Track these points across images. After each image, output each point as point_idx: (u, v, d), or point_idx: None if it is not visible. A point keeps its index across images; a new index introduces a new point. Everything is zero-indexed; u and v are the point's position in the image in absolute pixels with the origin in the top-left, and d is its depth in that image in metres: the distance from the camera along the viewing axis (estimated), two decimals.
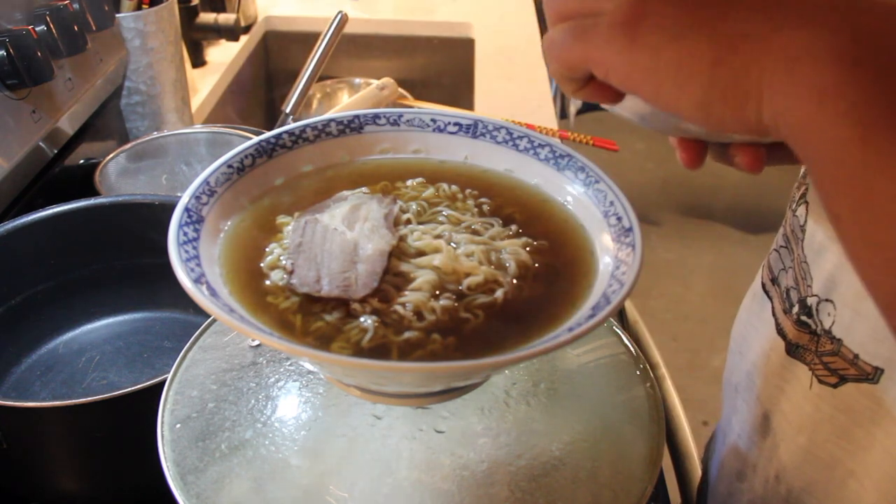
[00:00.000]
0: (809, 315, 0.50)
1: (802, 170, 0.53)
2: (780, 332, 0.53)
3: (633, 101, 0.37)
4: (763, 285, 0.57)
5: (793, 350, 0.52)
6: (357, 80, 1.45)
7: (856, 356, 0.46)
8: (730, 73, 0.30)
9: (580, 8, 0.34)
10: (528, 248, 0.42)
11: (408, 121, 0.49)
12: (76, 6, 0.88)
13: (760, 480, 0.55)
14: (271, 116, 1.66)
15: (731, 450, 0.60)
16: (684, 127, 0.41)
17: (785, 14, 0.29)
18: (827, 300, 0.48)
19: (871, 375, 0.46)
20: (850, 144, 0.26)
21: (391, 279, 0.40)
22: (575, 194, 0.45)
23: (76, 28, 0.86)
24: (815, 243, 0.49)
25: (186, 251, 0.38)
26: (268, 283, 0.40)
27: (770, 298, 0.55)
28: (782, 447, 0.53)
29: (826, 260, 0.48)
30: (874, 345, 0.45)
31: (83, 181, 0.92)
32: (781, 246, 0.55)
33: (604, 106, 0.39)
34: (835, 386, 0.48)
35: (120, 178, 0.95)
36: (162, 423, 0.47)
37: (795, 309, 0.51)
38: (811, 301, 0.49)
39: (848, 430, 0.48)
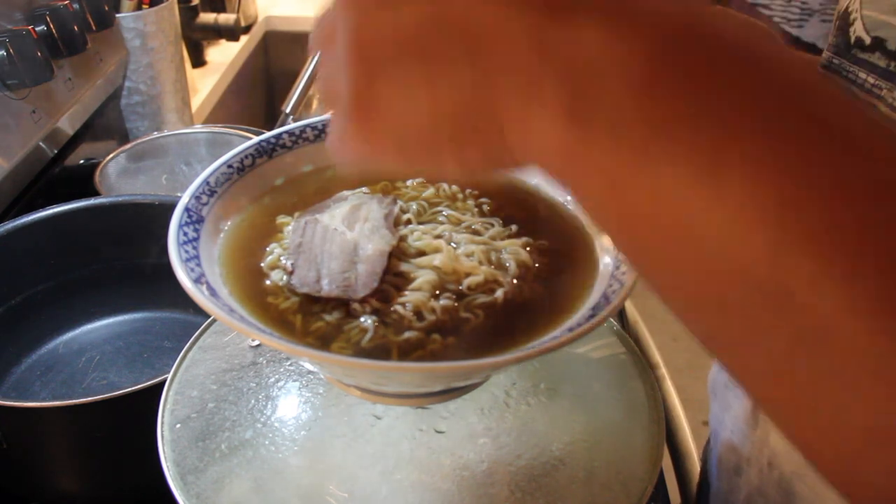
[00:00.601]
0: None
1: None
2: None
3: None
4: None
5: None
6: None
7: None
8: (473, 149, 0.28)
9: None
10: (528, 248, 0.42)
11: None
12: (76, 6, 0.88)
13: (755, 471, 0.56)
14: (271, 116, 1.66)
15: (727, 446, 0.61)
16: None
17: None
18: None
19: None
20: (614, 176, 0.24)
21: (391, 279, 0.40)
22: None
23: (76, 28, 0.86)
24: None
25: (186, 251, 0.38)
26: (268, 282, 0.40)
27: None
28: (772, 434, 0.53)
29: None
30: None
31: (83, 181, 0.92)
32: None
33: None
34: None
35: (120, 178, 0.95)
36: (162, 423, 0.47)
37: None
38: None
39: None
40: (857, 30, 0.46)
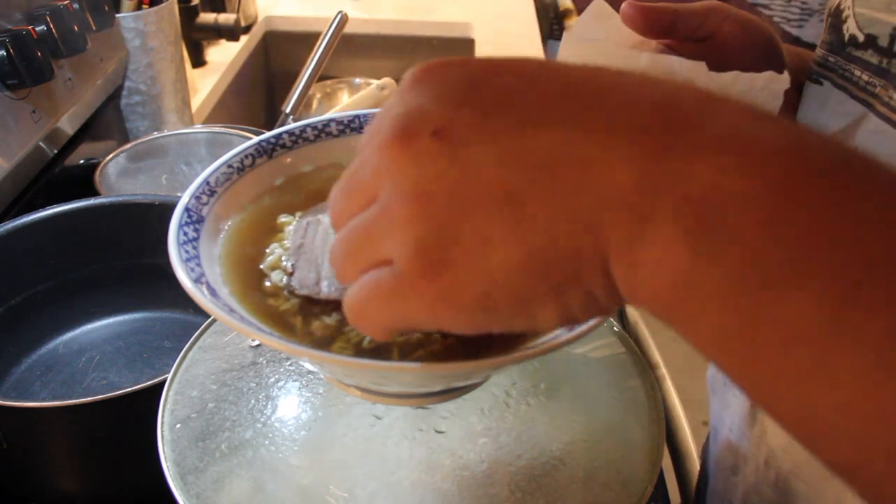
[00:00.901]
0: None
1: None
2: None
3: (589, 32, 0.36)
4: None
5: None
6: (357, 80, 1.46)
7: None
8: (577, 292, 0.25)
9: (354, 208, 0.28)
10: None
11: None
12: (76, 6, 0.88)
13: (752, 469, 0.56)
14: (271, 116, 1.66)
15: (725, 444, 0.61)
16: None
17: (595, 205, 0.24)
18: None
19: None
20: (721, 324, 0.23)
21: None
22: None
23: (76, 28, 0.86)
24: None
25: (186, 251, 0.38)
26: (268, 283, 0.40)
27: None
28: (770, 432, 0.54)
29: None
30: None
31: (83, 181, 0.92)
32: None
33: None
34: None
35: (120, 178, 0.95)
36: (162, 423, 0.47)
37: None
38: None
39: None
40: (850, 27, 0.46)
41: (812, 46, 0.53)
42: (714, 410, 0.65)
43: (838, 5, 0.48)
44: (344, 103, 1.30)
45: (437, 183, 0.25)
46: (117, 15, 1.00)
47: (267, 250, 0.42)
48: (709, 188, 0.22)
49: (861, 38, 0.45)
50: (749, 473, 0.56)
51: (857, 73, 0.45)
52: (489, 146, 0.24)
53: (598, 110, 0.24)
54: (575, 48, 0.50)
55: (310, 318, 0.38)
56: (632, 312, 0.92)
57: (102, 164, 0.93)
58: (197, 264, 0.38)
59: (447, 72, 0.26)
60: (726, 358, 0.24)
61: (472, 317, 0.26)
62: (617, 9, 0.49)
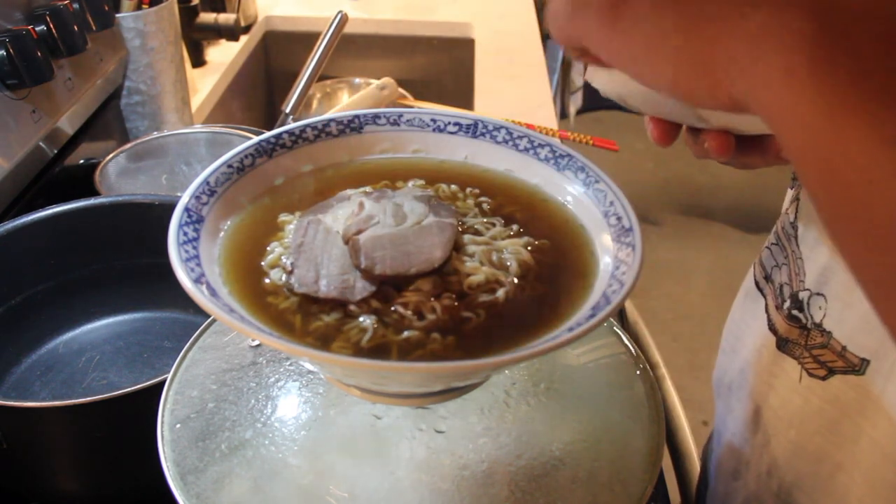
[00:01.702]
0: (801, 309, 0.51)
1: (793, 171, 0.53)
2: (772, 327, 0.54)
3: (613, 81, 0.40)
4: (756, 283, 0.58)
5: (783, 345, 0.52)
6: (357, 80, 1.45)
7: (844, 348, 0.47)
8: (695, 52, 0.31)
9: None
10: (529, 248, 0.43)
11: (408, 121, 0.49)
12: (76, 6, 0.88)
13: (753, 476, 0.56)
14: (271, 116, 1.66)
15: (727, 449, 0.61)
16: (660, 109, 0.43)
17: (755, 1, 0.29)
18: (818, 294, 0.49)
19: (858, 367, 0.46)
20: (816, 122, 0.26)
21: (392, 279, 0.40)
22: (575, 194, 0.45)
23: (76, 28, 0.86)
24: (810, 239, 0.50)
25: (186, 251, 0.38)
26: (267, 281, 0.40)
27: (763, 296, 0.56)
28: (773, 442, 0.54)
29: (819, 254, 0.49)
30: (862, 336, 0.46)
31: (83, 181, 0.92)
32: (773, 244, 0.56)
33: (592, 84, 0.42)
34: (823, 378, 0.49)
35: (120, 178, 0.95)
36: (162, 423, 0.47)
37: (787, 304, 0.52)
38: (803, 295, 0.50)
39: (836, 423, 0.49)
40: None
41: None
42: (719, 413, 0.65)
43: None
44: (344, 103, 1.30)
45: None
46: (117, 15, 1.00)
47: (267, 248, 0.42)
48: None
49: None
50: (751, 480, 0.56)
51: None
52: None
53: None
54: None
55: (309, 317, 0.38)
56: (632, 312, 0.92)
57: (102, 164, 0.93)
58: (197, 264, 0.38)
59: None
60: (805, 161, 0.27)
61: (616, 49, 0.34)
62: None
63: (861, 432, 0.47)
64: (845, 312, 0.47)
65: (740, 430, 0.58)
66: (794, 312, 0.51)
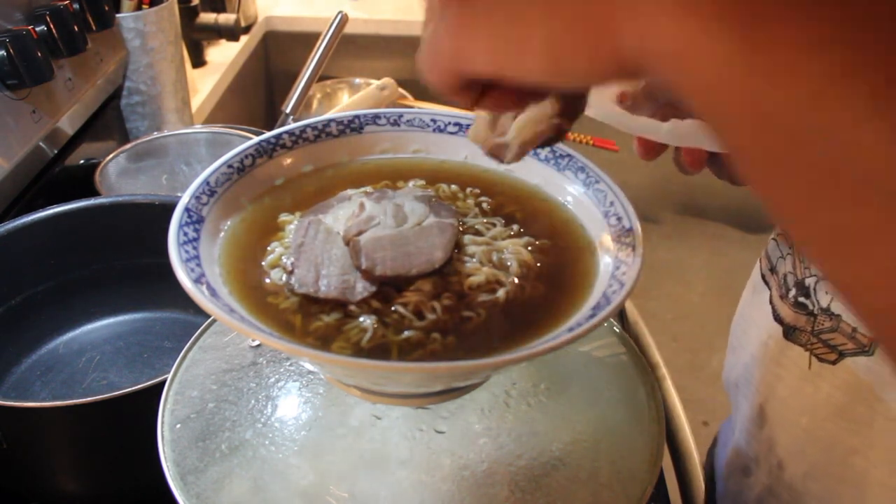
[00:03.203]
0: (807, 296, 0.51)
1: None
2: (777, 318, 0.54)
3: (596, 104, 0.39)
4: (762, 276, 0.58)
5: (789, 333, 0.53)
6: (357, 80, 1.45)
7: (854, 329, 0.48)
8: (568, 17, 0.26)
9: None
10: (529, 248, 0.43)
11: (408, 121, 0.49)
12: (76, 6, 0.88)
13: (764, 471, 0.56)
14: (271, 116, 1.66)
15: (735, 447, 0.61)
16: (631, 125, 0.44)
17: None
18: (825, 279, 0.49)
19: (867, 347, 0.47)
20: (730, 58, 0.22)
21: (392, 280, 0.40)
22: (575, 194, 0.45)
23: (76, 28, 0.86)
24: None
25: (186, 251, 0.38)
26: (268, 281, 0.40)
27: (769, 287, 0.56)
28: (783, 434, 0.54)
29: None
30: None
31: (83, 181, 0.92)
32: (779, 233, 0.56)
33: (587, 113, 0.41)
34: (834, 363, 0.49)
35: (120, 178, 0.95)
36: (162, 423, 0.47)
37: (793, 292, 0.52)
38: (809, 281, 0.51)
39: (847, 407, 0.49)
40: None
41: None
42: (731, 415, 0.65)
43: None
44: (344, 103, 1.30)
45: None
46: (117, 15, 1.00)
47: (268, 248, 0.42)
48: None
49: None
50: (762, 476, 0.56)
51: None
52: None
53: None
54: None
55: (309, 318, 0.38)
56: (632, 312, 0.92)
57: (102, 164, 0.93)
58: (197, 264, 0.38)
59: None
60: (714, 115, 0.24)
61: (481, 48, 0.28)
62: None
63: (875, 413, 0.47)
64: None
65: (746, 426, 0.58)
66: (801, 299, 0.51)
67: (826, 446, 0.51)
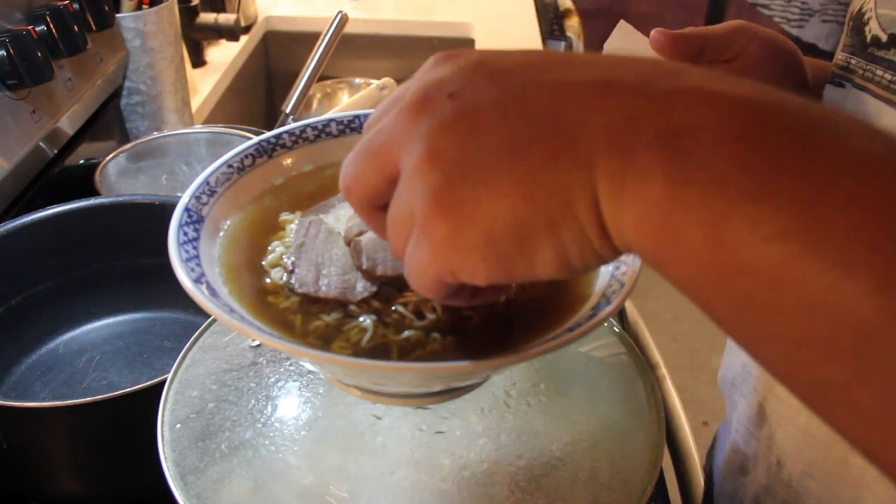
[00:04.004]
0: None
1: None
2: None
3: None
4: None
5: None
6: (357, 80, 1.45)
7: None
8: (573, 230, 0.27)
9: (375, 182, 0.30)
10: None
11: None
12: (76, 6, 0.88)
13: (763, 470, 0.56)
14: (271, 116, 1.66)
15: (732, 446, 0.61)
16: None
17: (591, 136, 0.26)
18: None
19: None
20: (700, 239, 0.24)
21: (393, 280, 0.40)
22: None
23: (76, 28, 0.86)
24: None
25: (186, 251, 0.38)
26: (268, 280, 0.40)
27: None
28: (781, 432, 0.54)
29: None
30: None
31: (83, 181, 0.92)
32: None
33: None
34: None
35: (120, 178, 0.95)
36: (162, 423, 0.47)
37: None
38: None
39: None
40: (873, 28, 0.47)
41: (812, 47, 0.54)
42: (727, 414, 0.65)
43: (860, 8, 0.48)
44: (344, 103, 1.30)
45: (449, 136, 0.27)
46: (117, 15, 1.00)
47: (269, 248, 0.42)
48: (685, 118, 0.25)
49: (884, 38, 0.46)
50: (760, 474, 0.56)
51: (880, 72, 0.46)
52: (495, 103, 0.27)
53: (593, 70, 0.27)
54: None
55: (309, 317, 0.38)
56: (632, 312, 0.92)
57: (102, 164, 0.93)
58: (197, 264, 0.38)
59: (463, 54, 0.30)
60: (701, 287, 0.26)
61: (480, 258, 0.27)
62: (639, 30, 0.52)
63: None
64: None
65: (745, 425, 0.58)
66: None
67: (824, 445, 0.51)
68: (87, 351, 0.76)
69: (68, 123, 0.90)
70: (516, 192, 0.26)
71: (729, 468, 0.62)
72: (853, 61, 0.49)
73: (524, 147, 0.26)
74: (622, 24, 0.53)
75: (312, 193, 0.46)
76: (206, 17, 1.33)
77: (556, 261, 0.27)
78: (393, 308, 0.38)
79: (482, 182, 0.26)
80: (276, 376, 0.49)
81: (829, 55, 0.54)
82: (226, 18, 1.34)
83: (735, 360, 0.61)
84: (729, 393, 0.63)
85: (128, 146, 0.97)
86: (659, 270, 0.26)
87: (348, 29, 1.11)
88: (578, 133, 0.26)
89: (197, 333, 0.53)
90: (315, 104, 1.43)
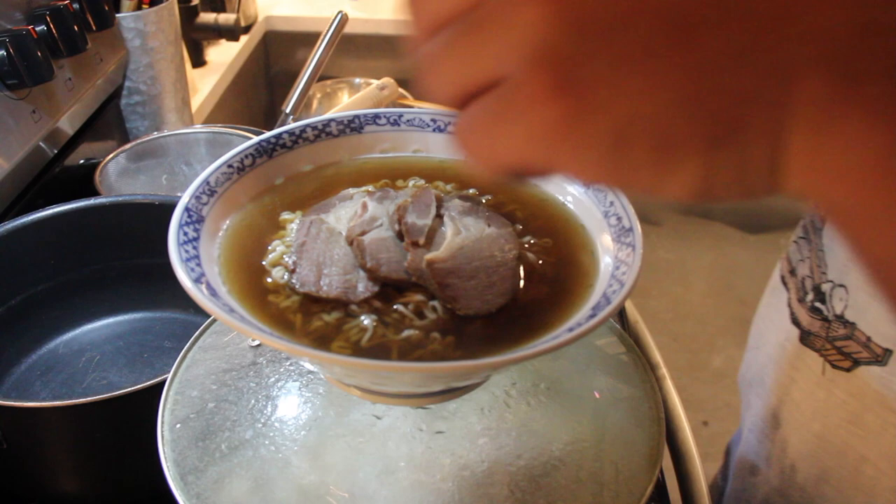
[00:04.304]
0: (822, 301, 0.51)
1: None
2: (795, 321, 0.54)
3: None
4: (782, 277, 0.58)
5: (805, 338, 0.52)
6: (357, 80, 1.45)
7: (868, 339, 0.47)
8: (733, 156, 0.20)
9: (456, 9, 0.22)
10: (528, 247, 0.42)
11: (408, 121, 0.49)
12: (76, 6, 0.88)
13: (776, 472, 0.56)
14: (271, 116, 1.66)
15: (746, 445, 0.61)
16: None
17: (792, 53, 0.19)
18: (840, 285, 0.49)
19: (881, 358, 0.46)
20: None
21: (394, 281, 0.40)
22: (575, 194, 0.45)
23: (76, 28, 0.86)
24: (833, 232, 0.50)
25: (186, 251, 0.38)
26: (269, 280, 0.40)
27: (787, 290, 0.56)
28: (796, 436, 0.54)
29: (842, 247, 0.48)
30: (885, 326, 0.46)
31: (83, 181, 0.92)
32: (800, 237, 0.56)
33: None
34: (848, 370, 0.49)
35: (120, 178, 0.95)
36: (162, 423, 0.47)
37: (810, 297, 0.52)
38: (825, 287, 0.50)
39: (859, 416, 0.48)
40: None
41: None
42: (742, 410, 0.65)
43: None
44: (344, 103, 1.29)
45: None
46: (117, 15, 1.00)
47: (269, 247, 0.42)
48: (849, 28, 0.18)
49: None
50: (773, 476, 0.56)
51: None
52: None
53: None
54: None
55: (310, 317, 0.38)
56: (632, 312, 0.92)
57: (102, 164, 0.93)
58: (197, 264, 0.38)
59: None
60: (867, 202, 0.19)
61: (597, 156, 0.20)
62: None
63: (886, 424, 0.47)
64: (870, 303, 0.47)
65: (759, 426, 0.58)
66: (817, 304, 0.51)
67: (838, 452, 0.50)
68: (87, 351, 0.76)
69: (68, 123, 0.90)
70: (677, 87, 0.19)
71: (740, 467, 0.62)
72: None
73: (703, 25, 0.19)
74: None
75: (312, 193, 0.46)
76: (206, 17, 1.33)
77: (692, 186, 0.21)
78: (393, 308, 0.38)
79: (631, 60, 0.19)
80: (276, 376, 0.49)
81: None
82: (226, 18, 1.34)
83: (754, 361, 0.61)
84: (745, 392, 0.62)
85: (128, 146, 0.97)
86: (839, 226, 0.20)
87: (348, 29, 1.11)
88: (788, 28, 0.19)
89: (197, 333, 0.53)
90: (315, 104, 1.43)
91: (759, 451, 0.58)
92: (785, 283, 0.57)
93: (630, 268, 0.37)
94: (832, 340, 0.50)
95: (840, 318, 0.49)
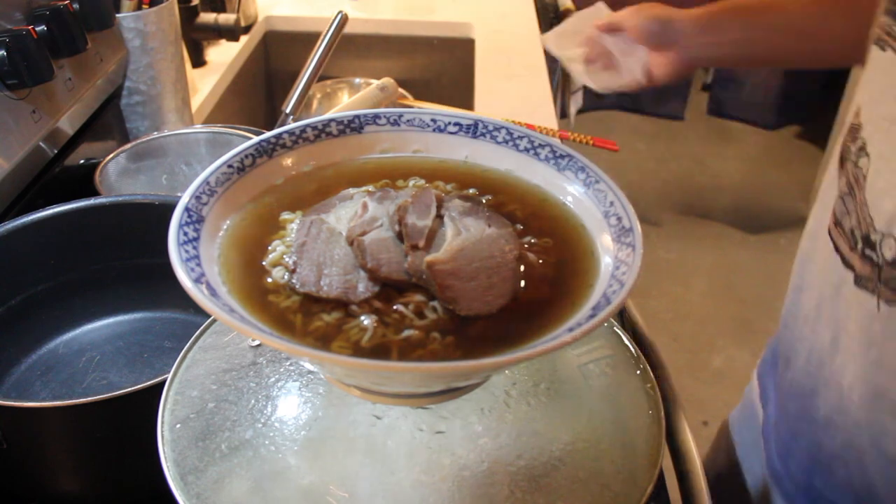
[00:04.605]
0: (873, 248, 0.54)
1: (848, 123, 0.58)
2: (848, 265, 0.58)
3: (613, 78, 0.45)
4: (829, 231, 0.62)
5: (859, 281, 0.56)
6: (357, 80, 1.45)
7: None
8: None
9: None
10: (527, 247, 0.42)
11: (408, 121, 0.49)
12: (76, 6, 0.88)
13: (835, 393, 0.60)
14: (271, 116, 1.66)
15: (802, 371, 0.65)
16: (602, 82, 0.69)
17: None
18: (889, 235, 0.53)
19: None
20: None
21: (395, 282, 0.40)
22: (575, 194, 0.45)
23: (76, 28, 0.86)
24: (876, 189, 0.54)
25: (186, 251, 0.38)
26: (269, 280, 0.40)
27: (835, 239, 0.60)
28: (853, 363, 0.57)
29: (887, 202, 0.53)
30: None
31: (83, 181, 0.92)
32: (846, 193, 0.59)
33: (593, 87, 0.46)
34: None
35: (120, 178, 0.95)
36: (162, 423, 0.47)
37: (860, 245, 0.56)
38: (875, 237, 0.54)
39: None
40: None
41: None
42: (786, 341, 0.70)
43: None
44: (344, 103, 1.30)
45: None
46: (117, 15, 1.00)
47: (269, 247, 0.42)
48: None
49: None
50: (832, 396, 0.61)
51: None
52: None
53: None
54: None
55: (310, 317, 0.38)
56: (632, 312, 0.92)
57: (102, 164, 0.93)
58: (197, 264, 0.38)
59: None
60: None
61: None
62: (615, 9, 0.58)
63: None
64: None
65: (817, 354, 0.62)
66: (868, 252, 0.55)
67: (894, 373, 0.54)
68: (87, 351, 0.76)
69: (68, 123, 0.90)
70: None
71: (795, 391, 0.66)
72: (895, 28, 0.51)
73: None
74: (600, 5, 0.64)
75: (313, 193, 0.46)
76: (206, 17, 1.33)
77: None
78: (394, 308, 0.38)
79: None
80: (276, 376, 0.49)
81: None
82: (226, 18, 1.34)
83: (806, 300, 0.65)
84: (797, 326, 0.67)
85: (128, 146, 0.97)
86: None
87: (348, 29, 1.11)
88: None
89: (197, 333, 0.53)
90: (315, 104, 1.43)
91: (818, 376, 0.62)
92: (831, 235, 0.61)
93: (630, 268, 0.37)
94: (886, 282, 0.53)
95: (892, 264, 0.52)
